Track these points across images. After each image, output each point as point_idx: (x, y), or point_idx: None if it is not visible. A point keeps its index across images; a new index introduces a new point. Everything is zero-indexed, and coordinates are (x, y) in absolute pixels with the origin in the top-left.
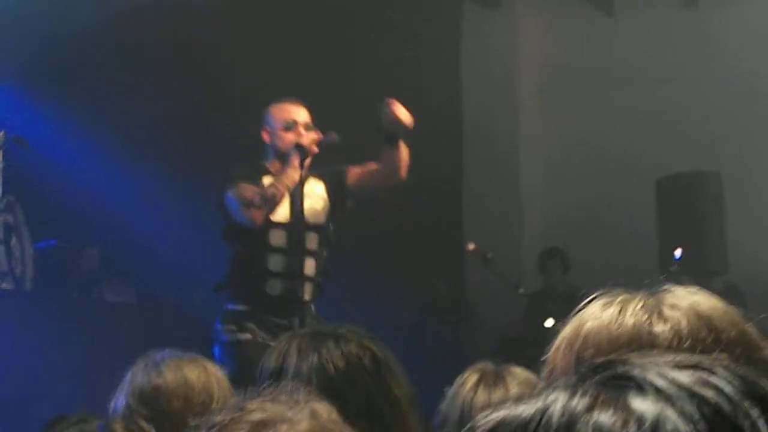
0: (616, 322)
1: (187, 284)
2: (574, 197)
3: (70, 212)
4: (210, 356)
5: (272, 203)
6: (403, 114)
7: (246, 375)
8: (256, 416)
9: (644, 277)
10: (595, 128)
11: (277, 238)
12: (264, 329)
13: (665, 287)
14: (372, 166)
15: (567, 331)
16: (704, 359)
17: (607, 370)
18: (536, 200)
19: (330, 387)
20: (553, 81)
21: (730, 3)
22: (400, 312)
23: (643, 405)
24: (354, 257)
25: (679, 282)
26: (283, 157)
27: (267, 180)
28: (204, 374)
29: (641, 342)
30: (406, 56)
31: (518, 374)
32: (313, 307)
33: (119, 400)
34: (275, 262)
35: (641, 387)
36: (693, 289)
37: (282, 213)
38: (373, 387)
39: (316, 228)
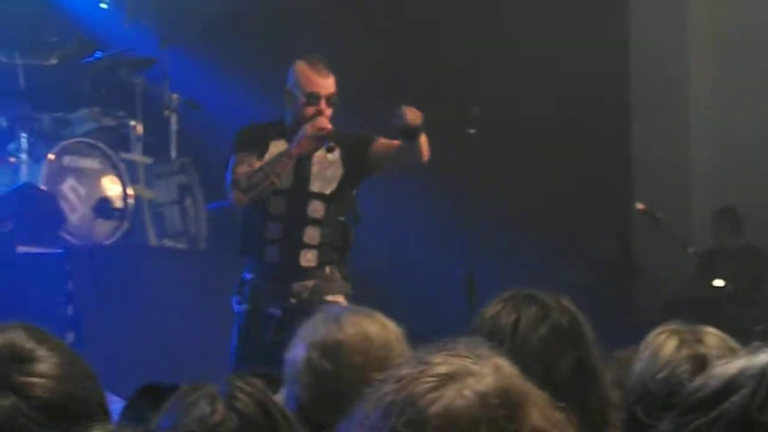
0: None
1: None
2: (745, 156)
3: None
4: None
5: (258, 190)
6: (413, 115)
7: (247, 346)
8: (442, 369)
9: None
10: (764, 84)
11: (276, 206)
12: (267, 298)
13: None
14: (396, 143)
15: None
16: None
17: None
18: (707, 159)
19: (537, 351)
20: (724, 38)
21: None
22: (568, 270)
23: None
24: (522, 215)
25: None
26: (297, 126)
27: (275, 147)
28: (383, 329)
29: None
30: (571, 21)
31: (713, 334)
32: (328, 270)
33: (297, 352)
34: (273, 230)
35: None
36: None
37: (285, 180)
38: (578, 352)
39: (322, 197)
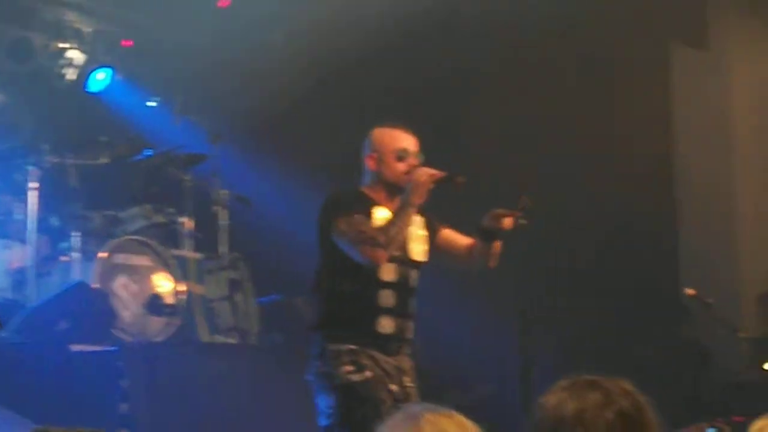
0: None
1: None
2: None
3: (292, 266)
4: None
5: (396, 243)
6: (508, 222)
7: (376, 415)
8: None
9: None
10: None
11: (388, 273)
12: (386, 371)
13: None
14: (465, 240)
15: None
16: None
17: None
18: (753, 242)
19: None
20: (766, 119)
21: None
22: (623, 356)
23: None
24: (574, 301)
25: None
26: (390, 188)
27: (380, 212)
28: (462, 430)
29: None
30: (615, 102)
31: None
32: (409, 348)
33: None
34: (386, 298)
35: None
36: None
37: None
38: None
39: (417, 265)
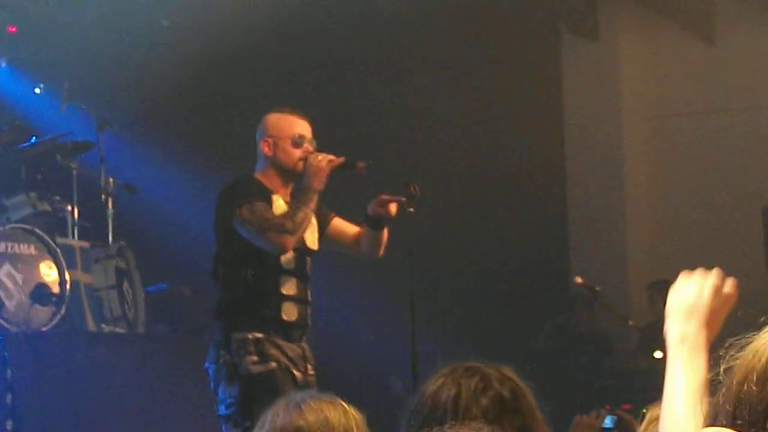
0: None
1: None
2: (680, 227)
3: (179, 255)
4: None
5: (302, 229)
6: (393, 208)
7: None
8: None
9: (753, 305)
10: (699, 156)
11: (288, 261)
12: (289, 358)
13: None
14: (354, 229)
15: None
16: None
17: None
18: (642, 231)
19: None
20: (656, 109)
21: None
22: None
23: None
24: (466, 290)
25: None
26: (285, 173)
27: (278, 199)
28: (344, 416)
29: None
30: (507, 91)
31: None
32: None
33: None
34: (288, 286)
35: None
36: None
37: None
38: (521, 421)
39: (312, 253)
